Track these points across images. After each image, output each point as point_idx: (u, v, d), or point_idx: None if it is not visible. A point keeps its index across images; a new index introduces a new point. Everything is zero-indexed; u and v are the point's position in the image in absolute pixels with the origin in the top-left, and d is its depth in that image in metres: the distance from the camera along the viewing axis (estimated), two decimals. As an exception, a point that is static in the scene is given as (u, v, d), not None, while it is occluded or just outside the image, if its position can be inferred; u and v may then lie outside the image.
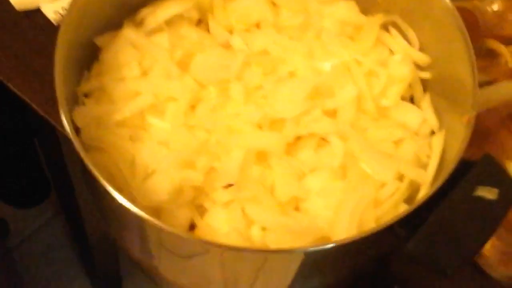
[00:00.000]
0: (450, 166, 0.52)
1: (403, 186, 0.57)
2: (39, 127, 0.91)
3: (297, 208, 0.57)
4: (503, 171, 0.52)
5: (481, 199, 0.50)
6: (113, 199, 0.48)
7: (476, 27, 0.68)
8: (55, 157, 0.88)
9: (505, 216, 0.50)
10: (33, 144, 1.15)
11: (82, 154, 0.50)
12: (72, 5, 0.57)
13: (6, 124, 1.09)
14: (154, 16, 0.63)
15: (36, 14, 0.73)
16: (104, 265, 1.21)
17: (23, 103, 0.68)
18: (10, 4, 0.73)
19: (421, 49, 0.65)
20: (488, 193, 0.50)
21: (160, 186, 0.55)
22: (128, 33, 0.62)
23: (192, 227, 0.57)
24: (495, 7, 0.75)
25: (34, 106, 0.66)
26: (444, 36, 0.60)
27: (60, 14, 0.73)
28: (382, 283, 0.65)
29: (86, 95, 0.60)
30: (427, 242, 0.48)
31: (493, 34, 0.73)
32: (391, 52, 0.65)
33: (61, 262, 1.33)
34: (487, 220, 0.50)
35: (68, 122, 0.52)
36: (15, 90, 0.68)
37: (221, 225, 0.56)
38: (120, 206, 0.48)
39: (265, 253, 0.51)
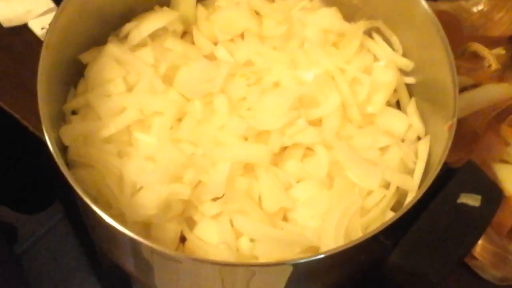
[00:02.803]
0: (434, 172, 0.52)
1: (390, 193, 0.58)
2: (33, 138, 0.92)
3: (285, 219, 0.58)
4: (486, 177, 0.53)
5: (464, 206, 0.51)
6: (101, 218, 0.49)
7: (458, 31, 0.69)
8: (53, 167, 0.89)
9: (489, 223, 0.51)
10: (38, 150, 1.16)
11: (67, 174, 0.51)
12: (54, 22, 0.58)
13: (11, 130, 1.10)
14: (138, 30, 0.64)
15: (23, 30, 0.75)
16: (111, 268, 1.21)
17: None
18: (-1, 24, 0.74)
19: (404, 54, 0.66)
20: (471, 200, 0.51)
21: (149, 201, 0.56)
22: (112, 48, 0.63)
23: (182, 239, 0.57)
24: (481, 7, 0.76)
25: (24, 123, 0.67)
26: (426, 42, 0.61)
27: (46, 29, 0.73)
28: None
29: (74, 112, 0.61)
30: (411, 251, 0.49)
31: (480, 34, 0.74)
32: (375, 58, 0.66)
33: (69, 267, 1.33)
34: (470, 227, 0.50)
35: (51, 140, 0.52)
36: (4, 107, 0.69)
37: (210, 237, 0.56)
38: (108, 225, 0.49)
39: (254, 267, 0.52)
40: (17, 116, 0.69)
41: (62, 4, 0.58)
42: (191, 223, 0.58)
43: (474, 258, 0.64)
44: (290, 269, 0.51)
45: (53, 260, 1.33)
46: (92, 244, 1.08)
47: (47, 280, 1.32)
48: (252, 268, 0.51)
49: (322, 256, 0.49)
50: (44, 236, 1.37)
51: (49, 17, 0.74)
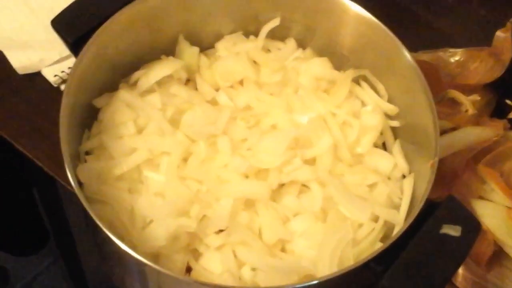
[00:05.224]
0: (418, 206, 0.56)
1: (378, 226, 0.62)
2: (38, 179, 0.95)
3: (283, 249, 0.61)
4: (465, 210, 0.57)
5: (446, 236, 0.55)
6: (116, 247, 0.52)
7: (438, 79, 0.73)
8: (54, 207, 0.92)
9: (468, 251, 0.55)
10: (32, 194, 1.18)
11: (87, 207, 0.54)
12: (73, 72, 0.61)
13: (5, 173, 1.11)
14: (146, 78, 0.68)
15: (37, 77, 0.79)
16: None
17: (24, 157, 0.73)
18: (13, 68, 0.78)
19: (390, 100, 0.70)
20: (452, 230, 0.55)
21: (158, 233, 0.59)
22: (123, 94, 0.67)
23: (188, 269, 0.60)
24: (457, 57, 0.81)
25: (39, 163, 0.71)
26: (409, 88, 0.66)
27: (59, 76, 0.78)
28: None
29: (88, 153, 0.65)
30: (398, 278, 0.52)
31: (457, 83, 0.78)
32: (363, 103, 0.71)
33: (60, 310, 1.34)
34: (452, 255, 0.54)
35: (73, 179, 0.55)
36: (20, 149, 0.72)
37: (215, 267, 0.60)
38: (123, 253, 0.52)
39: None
40: (31, 157, 0.72)
41: (80, 55, 0.61)
42: (196, 254, 0.61)
43: (456, 287, 0.67)
44: None
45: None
46: (85, 284, 1.10)
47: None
48: None
49: (316, 282, 0.52)
50: (35, 279, 1.37)
51: (61, 65, 0.79)
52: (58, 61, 0.79)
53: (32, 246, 1.36)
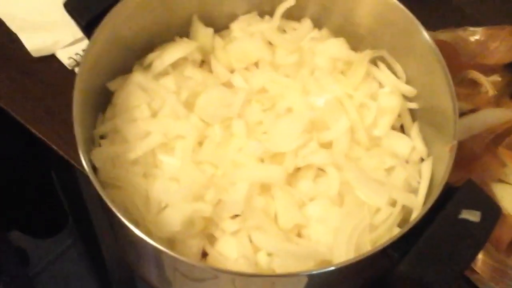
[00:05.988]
0: (437, 190, 0.56)
1: (396, 211, 0.61)
2: (56, 161, 0.95)
3: (299, 235, 0.61)
4: (485, 194, 0.56)
5: (465, 221, 0.54)
6: (131, 232, 0.52)
7: (457, 59, 0.72)
8: (72, 189, 0.93)
9: (488, 236, 0.54)
10: (50, 176, 1.19)
11: (102, 192, 0.54)
12: (86, 54, 0.61)
13: (23, 156, 1.12)
14: (160, 60, 0.68)
15: (51, 59, 0.79)
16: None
17: (40, 140, 0.73)
18: (27, 50, 0.78)
19: (408, 81, 0.69)
20: (471, 215, 0.54)
21: (173, 218, 0.58)
22: (137, 77, 0.66)
23: (203, 254, 0.60)
24: (477, 36, 0.79)
25: (54, 147, 0.71)
26: (427, 69, 0.64)
27: (73, 59, 0.78)
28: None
29: (102, 137, 0.65)
30: (417, 263, 0.52)
31: (476, 62, 0.76)
32: (380, 85, 0.70)
33: (80, 290, 1.36)
34: (471, 241, 0.54)
35: (87, 163, 0.56)
36: (35, 132, 0.72)
37: (230, 252, 0.59)
38: (138, 238, 0.52)
39: (272, 278, 0.55)
40: (46, 140, 0.72)
41: (93, 37, 0.61)
42: (212, 239, 0.61)
43: (475, 272, 0.67)
44: (305, 280, 0.54)
45: (65, 283, 1.36)
46: (103, 269, 1.11)
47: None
48: (271, 278, 0.55)
49: (333, 268, 0.52)
50: (55, 261, 1.39)
51: (75, 47, 0.79)
52: (72, 43, 0.79)
53: (52, 229, 1.38)
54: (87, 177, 0.55)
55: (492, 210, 0.56)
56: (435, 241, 0.53)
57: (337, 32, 0.74)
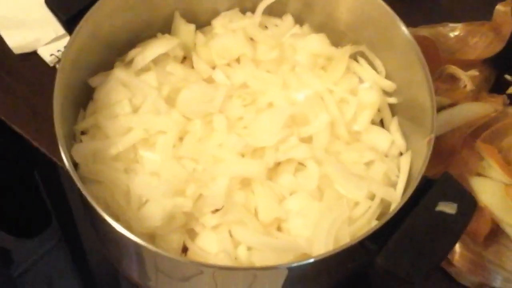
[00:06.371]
0: (414, 183, 0.56)
1: (375, 205, 0.61)
2: (39, 160, 0.95)
3: (279, 228, 0.61)
4: (461, 187, 0.57)
5: (442, 214, 0.55)
6: (112, 228, 0.53)
7: (436, 54, 0.73)
8: (55, 187, 0.92)
9: (464, 228, 0.55)
10: (34, 175, 1.18)
11: (82, 187, 0.54)
12: (67, 49, 0.61)
13: (6, 156, 1.12)
14: (142, 56, 0.68)
15: (33, 56, 0.78)
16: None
17: (22, 138, 0.73)
18: (8, 48, 0.78)
19: (387, 76, 0.70)
20: (448, 208, 0.55)
21: (154, 213, 0.59)
22: (119, 73, 0.66)
23: (184, 249, 0.61)
24: (457, 32, 0.80)
25: (35, 144, 0.71)
26: (406, 64, 0.65)
27: (55, 55, 0.78)
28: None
29: (83, 132, 0.65)
30: (394, 255, 0.53)
31: (456, 58, 0.77)
32: (361, 80, 0.70)
33: (64, 290, 1.35)
34: (448, 232, 0.54)
35: (67, 158, 0.55)
36: (17, 129, 0.72)
37: (210, 247, 0.60)
38: (119, 234, 0.52)
39: (253, 271, 0.55)
40: (27, 137, 0.72)
41: (74, 33, 0.61)
42: (192, 234, 0.61)
43: (453, 265, 0.67)
44: (285, 273, 0.54)
45: (48, 284, 1.34)
46: (87, 268, 1.11)
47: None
48: (252, 271, 0.55)
49: (313, 260, 0.53)
50: (39, 261, 1.38)
51: (57, 44, 0.78)
52: (54, 40, 0.79)
53: (35, 228, 1.37)
54: (69, 174, 0.55)
55: (468, 203, 0.56)
56: (411, 233, 0.54)
57: (319, 28, 0.74)
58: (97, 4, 0.63)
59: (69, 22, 0.63)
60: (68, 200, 0.90)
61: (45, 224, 1.37)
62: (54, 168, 0.81)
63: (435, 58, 0.71)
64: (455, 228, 0.55)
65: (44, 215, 1.34)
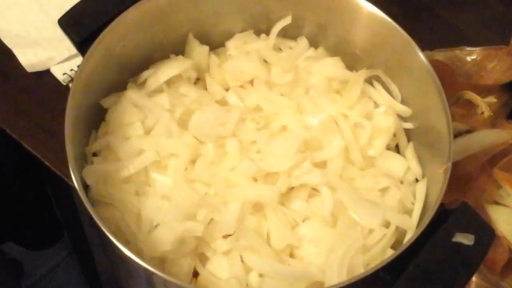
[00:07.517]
0: (431, 212, 0.55)
1: (390, 232, 0.60)
2: (51, 176, 0.95)
3: (291, 255, 0.60)
4: (479, 217, 0.56)
5: (459, 245, 0.53)
6: (121, 252, 0.52)
7: (453, 80, 0.72)
8: (66, 203, 0.92)
9: (482, 260, 0.54)
10: (46, 188, 1.18)
11: (92, 211, 0.53)
12: (80, 71, 0.61)
13: (19, 169, 1.12)
14: (155, 77, 0.67)
15: (46, 75, 0.78)
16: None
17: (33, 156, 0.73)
18: (21, 66, 0.78)
19: (403, 101, 0.69)
20: (465, 239, 0.53)
21: (164, 237, 0.58)
22: (131, 94, 0.66)
23: (195, 274, 0.60)
24: (474, 56, 0.79)
25: (46, 163, 0.71)
26: (423, 89, 0.64)
27: (67, 74, 0.78)
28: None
29: (95, 154, 0.64)
30: (410, 286, 0.52)
31: (473, 82, 0.76)
32: (376, 104, 0.69)
33: (74, 302, 1.35)
34: (465, 264, 0.53)
35: (77, 180, 0.55)
36: (28, 148, 0.72)
37: (221, 273, 0.59)
38: (128, 258, 0.52)
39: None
40: (39, 156, 0.72)
41: (87, 55, 0.61)
42: (203, 258, 0.60)
43: None
44: None
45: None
46: (97, 282, 1.10)
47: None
48: None
49: None
50: (49, 273, 1.38)
51: (70, 63, 0.78)
52: (67, 59, 0.79)
53: (46, 241, 1.37)
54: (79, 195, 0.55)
55: (486, 234, 0.55)
56: (428, 264, 0.53)
57: (333, 51, 0.73)
58: (110, 26, 0.63)
59: (82, 44, 0.62)
60: (78, 214, 0.90)
61: (57, 236, 1.37)
62: (65, 184, 0.80)
63: (452, 84, 0.70)
64: (472, 260, 0.54)
65: (55, 228, 1.34)
